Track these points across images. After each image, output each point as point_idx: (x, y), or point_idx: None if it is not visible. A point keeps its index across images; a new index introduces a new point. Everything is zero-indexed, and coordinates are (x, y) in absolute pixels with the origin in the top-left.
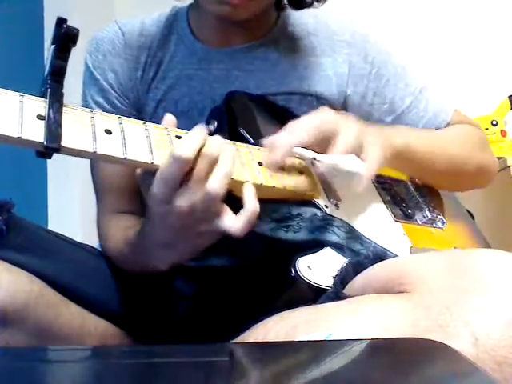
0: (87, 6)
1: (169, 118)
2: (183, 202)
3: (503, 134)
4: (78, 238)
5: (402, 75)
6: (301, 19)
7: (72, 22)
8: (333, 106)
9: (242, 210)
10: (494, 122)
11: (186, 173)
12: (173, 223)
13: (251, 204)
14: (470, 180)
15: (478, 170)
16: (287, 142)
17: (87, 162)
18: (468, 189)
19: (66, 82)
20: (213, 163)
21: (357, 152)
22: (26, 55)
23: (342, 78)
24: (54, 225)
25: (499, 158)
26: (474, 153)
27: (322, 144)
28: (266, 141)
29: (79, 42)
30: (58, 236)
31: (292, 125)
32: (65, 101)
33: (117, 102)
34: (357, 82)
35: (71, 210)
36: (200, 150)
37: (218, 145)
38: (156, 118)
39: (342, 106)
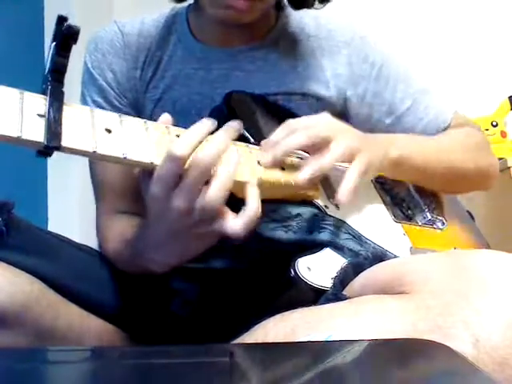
0: (87, 6)
1: (165, 118)
2: (181, 201)
3: (503, 134)
4: (78, 239)
5: (402, 77)
6: (301, 20)
7: (72, 22)
8: (333, 107)
9: (243, 211)
10: (494, 123)
11: (182, 171)
12: (170, 224)
13: (253, 205)
14: (470, 183)
15: (478, 173)
16: (286, 144)
17: (87, 162)
18: (467, 191)
19: (67, 81)
20: (206, 172)
21: (348, 161)
22: (26, 55)
23: (342, 80)
24: (53, 225)
25: (499, 159)
26: (473, 156)
27: (314, 148)
28: (264, 141)
29: (79, 43)
30: (57, 237)
31: (291, 124)
32: (65, 100)
33: (115, 102)
34: (356, 83)
35: (71, 211)
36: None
37: (219, 142)
38: (154, 118)
39: (342, 107)
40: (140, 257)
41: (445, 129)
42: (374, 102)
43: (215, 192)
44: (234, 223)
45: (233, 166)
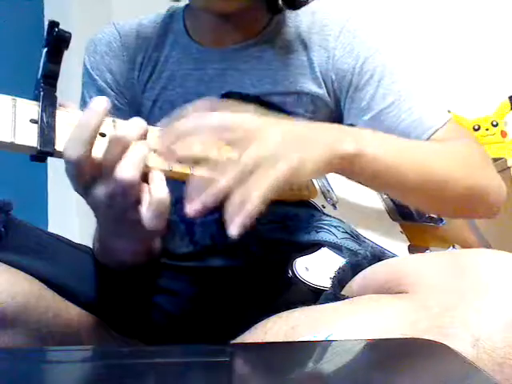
0: (86, 7)
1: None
2: (99, 192)
3: (503, 134)
4: (78, 239)
5: (389, 73)
6: (297, 17)
7: (71, 23)
8: (327, 105)
9: (149, 198)
10: (495, 123)
11: (91, 166)
12: (104, 213)
13: (158, 192)
14: (460, 205)
15: (472, 193)
16: (181, 128)
17: None
18: (460, 215)
19: (67, 84)
20: (123, 149)
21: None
22: (25, 55)
23: (328, 74)
24: (53, 226)
25: (499, 159)
26: (465, 172)
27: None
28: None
29: (79, 43)
30: (56, 237)
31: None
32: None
33: (116, 102)
34: (341, 77)
35: (71, 211)
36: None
37: (126, 128)
38: (152, 118)
39: (335, 104)
40: (105, 247)
41: (432, 134)
42: (354, 97)
43: (124, 176)
44: (144, 213)
45: (143, 146)
